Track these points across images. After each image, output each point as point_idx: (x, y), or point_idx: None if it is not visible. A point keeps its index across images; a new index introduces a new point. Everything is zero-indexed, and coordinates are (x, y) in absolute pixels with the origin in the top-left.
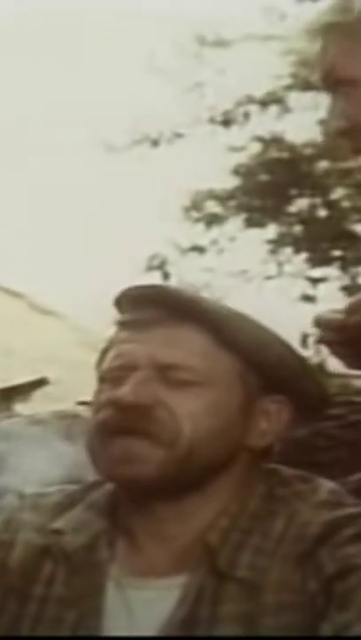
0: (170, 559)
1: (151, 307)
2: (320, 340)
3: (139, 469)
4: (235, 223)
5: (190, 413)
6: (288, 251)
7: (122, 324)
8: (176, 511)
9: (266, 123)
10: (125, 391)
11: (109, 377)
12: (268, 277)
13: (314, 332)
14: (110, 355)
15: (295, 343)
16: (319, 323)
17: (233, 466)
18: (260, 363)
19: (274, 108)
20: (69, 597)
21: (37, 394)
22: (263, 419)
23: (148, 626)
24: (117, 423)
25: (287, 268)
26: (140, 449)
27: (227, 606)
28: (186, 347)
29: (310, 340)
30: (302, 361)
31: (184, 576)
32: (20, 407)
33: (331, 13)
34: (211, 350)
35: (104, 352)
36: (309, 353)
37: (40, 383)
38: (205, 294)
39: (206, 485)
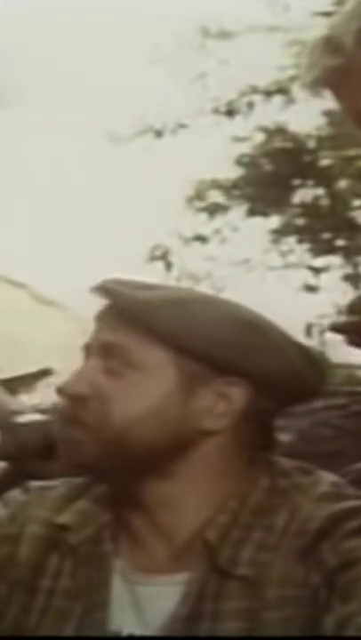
0: (171, 556)
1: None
2: (334, 328)
3: (78, 454)
4: (238, 213)
5: (119, 397)
6: (291, 240)
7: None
8: (161, 501)
9: (270, 113)
10: (67, 382)
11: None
12: (271, 267)
13: (318, 322)
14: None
15: (298, 332)
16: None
17: (196, 450)
18: (192, 349)
19: (278, 99)
20: (76, 589)
21: (41, 384)
22: (219, 401)
23: (153, 620)
24: (64, 412)
25: (290, 257)
26: (76, 436)
27: (230, 602)
28: (123, 332)
29: (315, 330)
30: (253, 338)
31: (186, 573)
32: (24, 398)
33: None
34: (142, 337)
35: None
36: (313, 343)
37: (44, 373)
38: (207, 284)
39: (172, 470)
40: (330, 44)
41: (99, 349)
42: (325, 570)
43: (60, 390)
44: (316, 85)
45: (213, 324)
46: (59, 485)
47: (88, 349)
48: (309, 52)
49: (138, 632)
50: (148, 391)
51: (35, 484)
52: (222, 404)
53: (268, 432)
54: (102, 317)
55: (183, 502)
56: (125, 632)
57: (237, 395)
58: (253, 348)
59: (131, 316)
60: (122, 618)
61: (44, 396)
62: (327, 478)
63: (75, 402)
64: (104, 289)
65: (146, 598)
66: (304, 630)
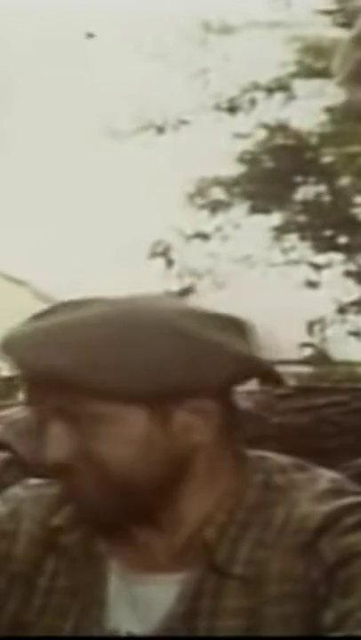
0: (169, 555)
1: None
2: None
3: (89, 510)
4: (240, 210)
5: (105, 454)
6: (293, 237)
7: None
8: (163, 509)
9: (271, 109)
10: (41, 453)
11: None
12: (273, 264)
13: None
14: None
15: (299, 329)
16: None
17: (192, 464)
18: (145, 391)
19: (279, 95)
20: (73, 588)
21: None
22: (196, 416)
23: (151, 619)
24: (59, 482)
25: (292, 254)
26: (79, 494)
27: (228, 601)
28: (76, 402)
29: (316, 327)
30: (190, 351)
31: (184, 572)
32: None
33: None
34: (96, 401)
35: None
36: (315, 340)
37: None
38: (209, 280)
39: (174, 488)
40: (360, 40)
41: (54, 414)
42: (325, 566)
43: (40, 462)
44: (349, 80)
45: (155, 357)
46: (54, 483)
47: (38, 415)
48: (341, 50)
49: (135, 630)
50: (129, 437)
51: (33, 481)
52: (199, 418)
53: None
54: (36, 383)
55: (184, 504)
56: (123, 630)
57: (209, 405)
58: (195, 361)
59: (65, 386)
60: (119, 616)
61: None
62: (325, 475)
63: (61, 470)
64: (9, 354)
65: (143, 597)
66: (304, 626)
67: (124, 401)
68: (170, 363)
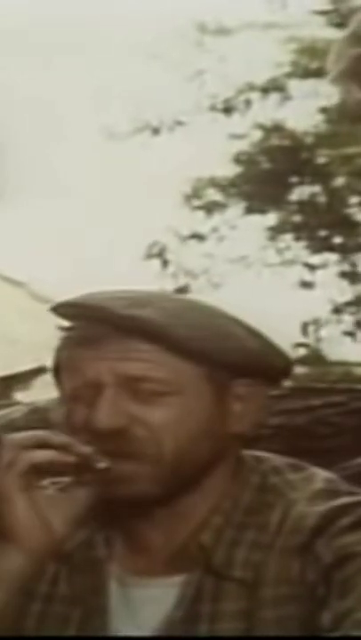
0: (167, 559)
1: (94, 321)
2: None
3: (132, 489)
4: (235, 211)
5: (167, 425)
6: (288, 237)
7: (69, 340)
8: (173, 511)
9: (267, 110)
10: (100, 417)
11: (77, 397)
12: (268, 264)
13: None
14: (67, 373)
15: (294, 329)
16: None
17: (225, 457)
18: (222, 359)
19: (275, 96)
20: (73, 596)
21: (37, 382)
22: (238, 403)
23: (150, 624)
24: (100, 450)
25: (287, 254)
26: (127, 470)
27: (226, 604)
28: (143, 359)
29: (310, 328)
30: (263, 339)
31: (182, 575)
32: (20, 395)
33: None
34: (167, 358)
35: (57, 371)
36: (310, 340)
37: (40, 371)
38: (204, 280)
39: (203, 483)
40: (355, 38)
41: (116, 381)
42: (321, 566)
43: (92, 428)
44: (343, 78)
45: (237, 328)
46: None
47: (86, 378)
48: (335, 48)
49: (135, 635)
50: (191, 412)
51: None
52: (241, 404)
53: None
54: (91, 342)
55: (194, 511)
56: (122, 635)
57: (256, 394)
58: (268, 349)
59: (151, 336)
60: (119, 622)
61: (39, 393)
62: (320, 475)
63: (112, 437)
64: (99, 309)
65: (142, 601)
66: (301, 628)
67: (195, 372)
68: (247, 342)
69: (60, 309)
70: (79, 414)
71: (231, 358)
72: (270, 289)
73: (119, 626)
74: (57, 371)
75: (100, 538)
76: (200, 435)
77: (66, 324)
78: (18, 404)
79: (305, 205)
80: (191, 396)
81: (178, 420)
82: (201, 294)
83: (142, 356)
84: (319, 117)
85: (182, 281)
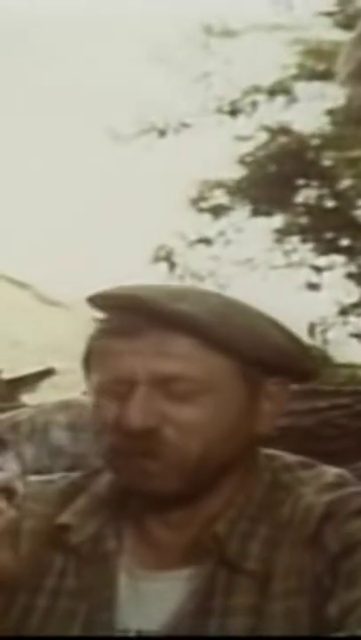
0: (179, 551)
1: (131, 313)
2: None
3: (156, 485)
4: (241, 213)
5: (198, 426)
6: (294, 240)
7: (104, 331)
8: (188, 507)
9: (273, 112)
10: (132, 416)
11: (107, 390)
12: (274, 266)
13: (320, 320)
14: (99, 364)
15: (300, 331)
16: None
17: (244, 457)
18: (258, 356)
19: (281, 98)
20: (82, 589)
21: (44, 384)
22: (267, 401)
23: (159, 618)
24: (129, 447)
25: (293, 256)
26: (154, 469)
27: (238, 598)
28: (180, 355)
29: (317, 329)
30: (299, 341)
31: (194, 568)
32: (26, 397)
33: None
34: (204, 355)
35: (87, 360)
36: (316, 342)
37: (47, 373)
38: (211, 282)
39: (221, 481)
40: None
41: (149, 379)
42: (328, 556)
43: (123, 426)
44: (351, 79)
45: (276, 328)
46: (57, 480)
47: (120, 373)
48: (344, 49)
49: (144, 628)
50: (223, 411)
51: (33, 478)
52: (269, 403)
53: None
54: (128, 334)
55: (208, 506)
56: (132, 630)
57: (284, 394)
58: (303, 351)
59: (192, 331)
60: (128, 616)
61: (45, 395)
62: (330, 470)
63: (144, 436)
64: (138, 300)
65: (151, 595)
66: (309, 620)
67: (230, 369)
68: (282, 341)
69: (97, 300)
70: (110, 410)
71: (267, 355)
72: (277, 291)
73: (127, 619)
74: (87, 360)
75: (111, 531)
76: (229, 435)
77: (100, 315)
78: (24, 406)
79: (311, 207)
80: (226, 394)
81: (210, 420)
82: None
83: (179, 352)
84: (325, 119)
85: (189, 283)
